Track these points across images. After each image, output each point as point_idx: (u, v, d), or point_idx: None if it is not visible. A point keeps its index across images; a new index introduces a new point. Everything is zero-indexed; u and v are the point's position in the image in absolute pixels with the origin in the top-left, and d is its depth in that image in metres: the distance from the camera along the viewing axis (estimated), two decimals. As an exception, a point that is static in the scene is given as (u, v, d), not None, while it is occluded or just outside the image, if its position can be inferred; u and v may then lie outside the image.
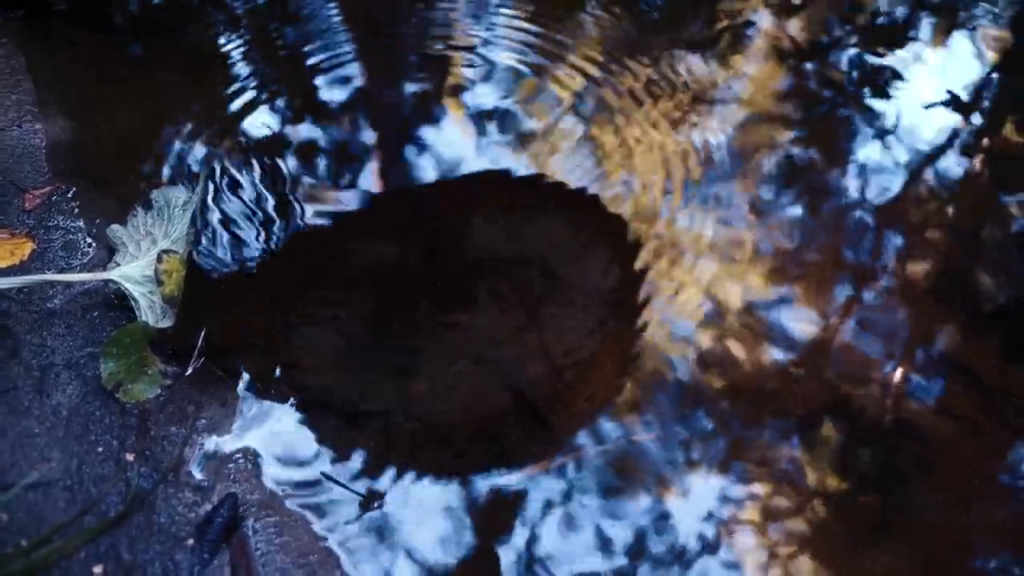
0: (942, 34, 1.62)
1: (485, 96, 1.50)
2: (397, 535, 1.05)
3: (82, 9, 1.59)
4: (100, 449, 1.04)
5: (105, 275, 1.15)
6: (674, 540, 1.06)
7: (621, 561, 1.04)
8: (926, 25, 1.63)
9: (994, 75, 1.56)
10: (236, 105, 1.47)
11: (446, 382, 1.16)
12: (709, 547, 1.05)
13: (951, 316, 1.24)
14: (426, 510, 1.07)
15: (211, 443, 1.09)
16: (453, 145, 1.43)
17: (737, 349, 1.21)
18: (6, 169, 1.30)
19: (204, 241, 1.28)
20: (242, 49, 1.57)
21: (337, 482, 1.07)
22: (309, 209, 1.34)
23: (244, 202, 1.34)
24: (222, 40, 1.58)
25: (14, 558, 0.92)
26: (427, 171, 1.39)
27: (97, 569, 0.96)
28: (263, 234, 1.31)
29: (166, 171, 1.36)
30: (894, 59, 1.58)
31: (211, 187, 1.34)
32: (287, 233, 1.31)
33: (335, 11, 1.64)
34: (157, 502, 1.02)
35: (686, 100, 1.50)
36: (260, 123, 1.45)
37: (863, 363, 1.19)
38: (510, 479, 1.09)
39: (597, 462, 1.10)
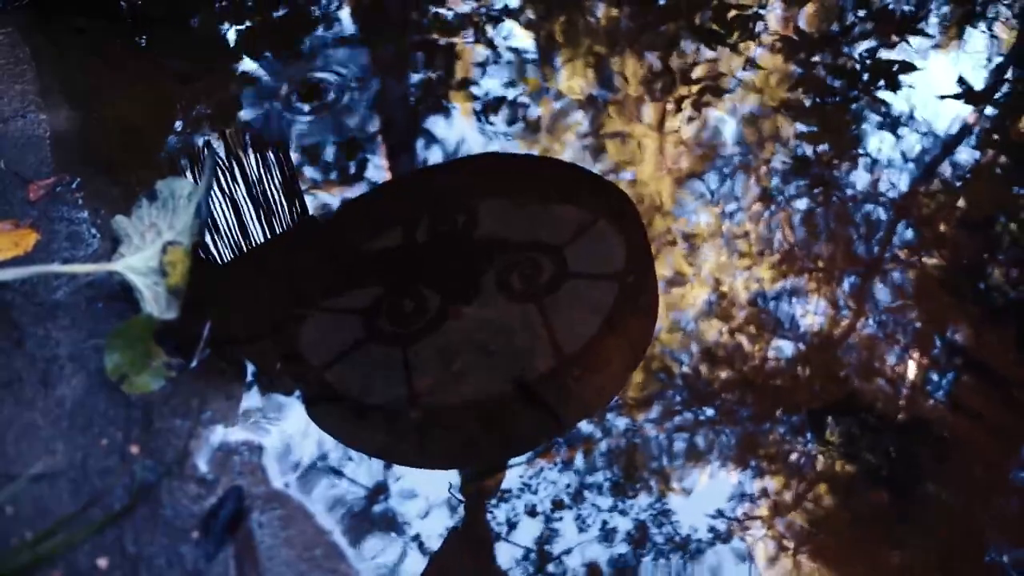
0: (956, 23, 1.60)
1: (492, 84, 1.49)
2: (403, 528, 1.05)
3: (87, -3, 1.58)
4: (104, 442, 1.04)
5: (110, 266, 1.14)
6: (681, 534, 1.05)
7: (627, 555, 1.03)
8: (940, 13, 1.61)
9: (1009, 65, 1.54)
10: (242, 94, 1.46)
11: (453, 373, 1.16)
12: (718, 541, 1.05)
13: (964, 309, 1.23)
14: (432, 503, 1.06)
15: (216, 436, 1.08)
16: (460, 134, 1.42)
17: (746, 342, 1.20)
18: (10, 159, 1.29)
19: (209, 232, 1.27)
20: (248, 37, 1.56)
21: (343, 475, 1.07)
22: (315, 199, 1.33)
23: (250, 192, 1.33)
24: (228, 28, 1.57)
25: (19, 551, 0.92)
26: (434, 160, 1.39)
27: (102, 562, 0.95)
28: (269, 224, 1.30)
29: (171, 161, 1.36)
30: (907, 48, 1.56)
31: (217, 177, 1.33)
32: (293, 223, 1.31)
33: None
34: (162, 495, 1.01)
35: (695, 89, 1.48)
36: (266, 112, 1.44)
37: (874, 357, 1.18)
38: (517, 471, 1.09)
39: (604, 454, 1.10)
